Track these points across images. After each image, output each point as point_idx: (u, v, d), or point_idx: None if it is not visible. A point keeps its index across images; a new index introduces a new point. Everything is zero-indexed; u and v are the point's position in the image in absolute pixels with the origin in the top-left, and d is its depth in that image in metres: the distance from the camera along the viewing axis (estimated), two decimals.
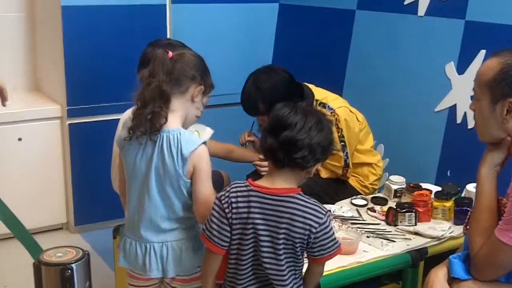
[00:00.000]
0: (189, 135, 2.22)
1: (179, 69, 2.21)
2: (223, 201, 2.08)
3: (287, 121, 2.04)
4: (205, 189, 2.21)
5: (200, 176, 2.19)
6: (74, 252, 2.22)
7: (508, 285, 2.07)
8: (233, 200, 2.07)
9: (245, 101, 3.21)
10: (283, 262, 2.05)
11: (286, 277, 2.07)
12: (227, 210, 2.06)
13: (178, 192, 2.21)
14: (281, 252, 2.05)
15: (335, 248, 2.09)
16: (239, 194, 2.07)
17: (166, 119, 2.17)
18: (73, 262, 2.16)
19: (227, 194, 2.08)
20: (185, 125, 2.29)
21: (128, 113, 2.86)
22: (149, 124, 2.15)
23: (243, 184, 2.10)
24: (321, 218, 2.03)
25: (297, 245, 2.04)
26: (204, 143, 2.21)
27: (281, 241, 2.04)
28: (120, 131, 2.31)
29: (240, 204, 2.06)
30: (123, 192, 2.40)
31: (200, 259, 2.24)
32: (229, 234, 2.08)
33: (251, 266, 2.10)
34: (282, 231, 2.03)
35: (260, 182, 2.10)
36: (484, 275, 2.06)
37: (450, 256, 2.20)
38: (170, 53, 2.23)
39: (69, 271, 2.14)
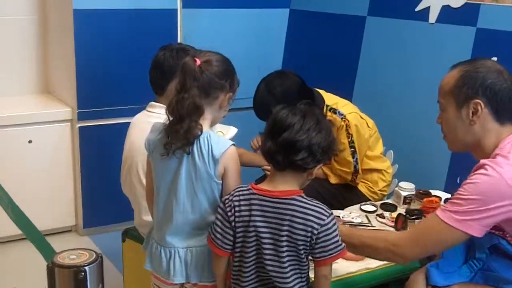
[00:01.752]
0: (218, 137, 2.22)
1: (207, 79, 2.18)
2: (226, 205, 2.10)
3: (285, 122, 2.05)
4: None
5: (232, 175, 2.20)
6: (88, 255, 2.22)
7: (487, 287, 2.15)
8: (235, 203, 2.08)
9: (258, 105, 3.22)
10: (286, 265, 2.05)
11: (289, 279, 2.06)
12: (229, 214, 2.09)
13: (209, 195, 2.20)
14: (284, 254, 2.04)
15: (338, 251, 2.06)
16: (241, 198, 2.09)
17: (201, 131, 2.15)
18: (86, 264, 2.16)
19: (230, 198, 2.10)
20: (210, 126, 2.29)
21: (139, 116, 2.88)
22: (185, 139, 2.14)
23: (245, 188, 2.11)
24: (323, 220, 2.03)
25: (300, 247, 2.04)
26: (234, 144, 2.20)
27: (284, 244, 2.04)
28: (149, 134, 2.29)
29: (243, 208, 2.08)
30: (150, 197, 2.39)
31: None
32: (232, 238, 2.10)
33: (254, 268, 2.11)
34: (284, 233, 2.03)
35: (262, 186, 2.11)
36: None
37: (428, 265, 2.26)
38: (198, 61, 2.18)
39: (83, 273, 2.14)
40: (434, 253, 2.28)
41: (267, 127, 2.12)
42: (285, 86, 3.18)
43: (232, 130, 3.11)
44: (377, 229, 2.76)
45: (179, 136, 2.13)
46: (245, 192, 2.10)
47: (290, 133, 2.03)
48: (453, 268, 2.21)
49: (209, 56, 2.24)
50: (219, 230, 2.11)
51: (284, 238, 2.04)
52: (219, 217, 2.12)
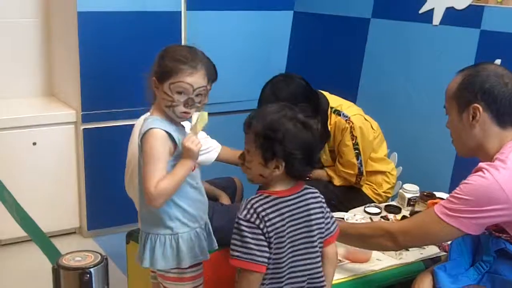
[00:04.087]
0: (151, 120, 2.23)
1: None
2: (251, 218, 2.00)
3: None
4: None
5: (144, 158, 2.20)
6: (93, 257, 2.23)
7: None
8: (262, 214, 2.01)
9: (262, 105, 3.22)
10: (317, 254, 2.11)
11: (321, 269, 2.12)
12: (261, 226, 2.00)
13: None
14: (315, 244, 2.09)
15: (336, 225, 2.19)
16: (265, 206, 2.03)
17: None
18: (91, 266, 2.16)
19: (252, 211, 2.01)
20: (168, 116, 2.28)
21: (143, 118, 2.88)
22: None
23: (262, 197, 2.05)
24: (321, 196, 2.16)
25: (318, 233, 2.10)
26: (159, 129, 2.20)
27: (315, 234, 2.08)
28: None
29: (271, 215, 2.02)
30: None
31: None
32: (268, 249, 2.02)
33: (288, 273, 2.08)
34: (314, 226, 2.08)
35: (274, 189, 2.08)
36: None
37: (435, 267, 2.27)
38: None
39: (88, 275, 2.15)
40: (426, 244, 2.46)
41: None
42: (290, 89, 3.18)
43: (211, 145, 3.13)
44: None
45: None
46: (267, 200, 2.04)
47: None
48: (460, 271, 2.22)
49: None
50: (253, 246, 2.00)
51: (315, 228, 2.08)
52: (247, 233, 2.00)
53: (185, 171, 2.18)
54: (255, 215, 2.00)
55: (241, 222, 2.01)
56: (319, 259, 2.10)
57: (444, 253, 2.63)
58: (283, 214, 2.04)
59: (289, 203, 2.06)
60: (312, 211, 2.09)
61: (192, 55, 2.26)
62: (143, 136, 2.19)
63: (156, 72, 2.25)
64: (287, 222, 2.05)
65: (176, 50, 2.28)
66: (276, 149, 2.00)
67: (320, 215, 2.11)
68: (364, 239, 2.35)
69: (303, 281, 2.09)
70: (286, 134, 2.00)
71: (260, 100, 3.24)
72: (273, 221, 2.02)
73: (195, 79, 2.22)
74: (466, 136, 2.20)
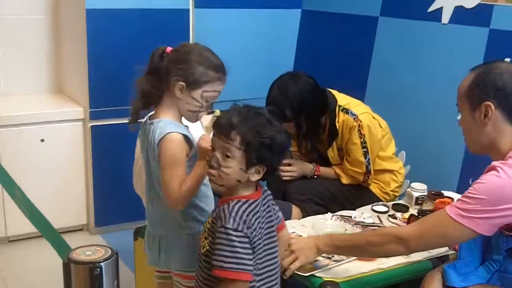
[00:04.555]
0: (164, 123, 2.21)
1: (164, 65, 2.24)
2: (239, 228, 1.95)
3: None
4: None
5: (163, 164, 2.19)
6: (103, 251, 2.24)
7: None
8: (247, 221, 1.97)
9: (270, 103, 3.22)
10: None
11: None
12: (248, 233, 1.96)
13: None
14: (276, 235, 2.14)
15: None
16: (247, 212, 1.99)
17: (138, 111, 2.27)
18: (102, 260, 2.17)
19: (238, 219, 1.96)
20: (185, 120, 2.30)
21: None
22: (131, 114, 2.29)
23: (241, 202, 2.00)
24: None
25: None
26: (177, 133, 2.19)
27: (275, 227, 2.13)
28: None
29: (253, 220, 1.99)
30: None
31: None
32: (252, 256, 1.99)
33: (265, 267, 2.08)
34: (274, 222, 2.12)
35: (245, 192, 2.04)
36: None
37: (445, 265, 2.27)
38: (169, 49, 2.26)
39: (98, 269, 2.16)
40: (439, 246, 2.37)
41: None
42: (298, 87, 3.19)
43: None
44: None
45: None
46: (246, 205, 2.00)
47: None
48: (470, 269, 2.21)
49: (181, 47, 2.29)
50: (244, 256, 1.95)
51: (274, 221, 2.12)
52: (237, 243, 1.93)
53: (204, 171, 2.14)
54: (241, 224, 1.95)
55: (230, 232, 1.94)
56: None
57: (453, 252, 2.62)
58: (260, 217, 2.03)
59: (261, 204, 2.05)
60: (271, 207, 2.12)
61: (222, 63, 2.29)
62: (161, 141, 2.17)
63: (187, 77, 2.21)
64: (263, 224, 2.05)
65: (208, 57, 2.28)
66: (264, 154, 1.96)
67: (274, 207, 2.14)
68: (373, 247, 2.29)
69: (277, 272, 2.12)
70: (274, 139, 1.97)
71: (268, 99, 3.24)
72: (255, 225, 1.99)
73: (223, 87, 2.26)
74: (478, 134, 2.18)
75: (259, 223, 2.01)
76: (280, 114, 3.21)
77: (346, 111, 3.27)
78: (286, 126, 3.28)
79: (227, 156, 1.97)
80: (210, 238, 2.02)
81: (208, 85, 2.23)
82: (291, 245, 2.35)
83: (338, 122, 3.28)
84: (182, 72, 2.21)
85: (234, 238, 1.93)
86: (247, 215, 1.97)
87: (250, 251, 1.97)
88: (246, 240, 1.95)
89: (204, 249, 2.04)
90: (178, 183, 2.15)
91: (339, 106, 3.30)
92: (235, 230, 1.94)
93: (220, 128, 1.99)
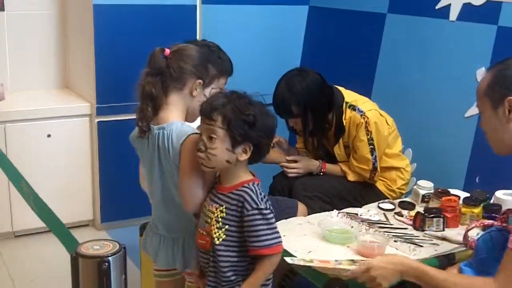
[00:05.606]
0: (181, 125, 2.23)
1: (174, 65, 2.24)
2: (267, 206, 2.10)
3: None
4: None
5: (183, 167, 2.20)
6: (111, 245, 2.25)
7: None
8: (267, 198, 2.13)
9: (278, 103, 3.22)
10: None
11: None
12: (271, 209, 2.11)
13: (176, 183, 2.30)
14: None
15: None
16: (263, 192, 2.14)
17: (151, 118, 2.23)
18: (110, 255, 2.18)
19: (261, 197, 2.10)
20: (189, 118, 2.33)
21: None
22: (139, 121, 2.26)
23: (254, 184, 2.13)
24: None
25: None
26: (196, 133, 2.21)
27: None
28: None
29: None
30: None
31: None
32: None
33: None
34: None
35: (251, 175, 2.17)
36: None
37: (461, 264, 2.23)
38: (167, 51, 2.26)
39: (106, 263, 2.16)
40: None
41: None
42: (305, 83, 3.19)
43: None
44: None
45: (137, 116, 2.26)
46: (259, 188, 2.14)
47: None
48: (488, 268, 2.16)
49: (183, 46, 2.32)
50: (277, 230, 2.12)
51: None
52: (272, 220, 2.10)
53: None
54: (266, 202, 2.10)
55: (264, 211, 2.06)
56: None
57: (463, 249, 2.61)
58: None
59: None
60: None
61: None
62: (183, 145, 2.18)
63: (203, 75, 2.29)
64: None
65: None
66: (247, 131, 2.05)
67: None
68: None
69: None
70: (256, 117, 2.05)
71: (275, 94, 3.24)
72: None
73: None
74: (503, 131, 2.11)
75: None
76: (286, 110, 3.21)
77: (353, 107, 3.26)
78: (293, 122, 3.27)
79: (212, 138, 2.06)
80: (227, 227, 2.09)
81: (215, 81, 2.26)
82: (370, 269, 2.16)
83: (345, 118, 3.28)
84: (199, 69, 2.26)
85: (269, 216, 2.08)
86: (263, 194, 2.11)
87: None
88: (273, 214, 2.10)
89: (220, 239, 2.10)
90: (201, 188, 2.18)
91: (346, 102, 3.29)
92: (266, 208, 2.08)
93: (203, 111, 2.09)
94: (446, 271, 2.19)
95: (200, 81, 2.27)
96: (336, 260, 2.27)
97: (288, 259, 2.23)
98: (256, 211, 2.06)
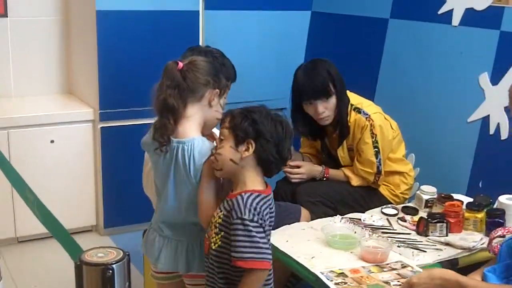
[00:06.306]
0: (203, 142, 2.25)
1: (191, 77, 2.26)
2: (254, 219, 2.05)
3: None
4: None
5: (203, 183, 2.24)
6: (115, 253, 2.25)
7: None
8: (262, 212, 2.08)
9: (313, 86, 3.22)
10: None
11: None
12: (263, 225, 2.07)
13: (192, 197, 2.30)
14: None
15: None
16: (260, 204, 2.09)
17: (173, 131, 2.23)
18: (114, 262, 2.18)
19: (252, 210, 2.05)
20: (206, 129, 2.36)
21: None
22: (160, 136, 2.24)
23: (254, 196, 2.09)
24: None
25: None
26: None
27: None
28: (146, 134, 2.39)
29: (265, 214, 2.10)
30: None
31: None
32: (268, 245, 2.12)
33: None
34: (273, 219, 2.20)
35: (257, 187, 2.13)
36: None
37: (485, 270, 2.19)
38: (181, 64, 2.28)
39: (110, 271, 2.16)
40: None
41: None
42: (328, 64, 3.30)
43: None
44: None
45: (156, 130, 2.25)
46: (259, 199, 2.10)
47: None
48: (510, 273, 2.14)
49: (194, 58, 2.35)
50: (262, 245, 2.04)
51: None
52: (255, 233, 2.03)
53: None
54: (256, 215, 2.05)
55: (247, 222, 2.03)
56: None
57: (465, 254, 2.61)
58: (271, 212, 2.13)
59: (271, 201, 2.15)
60: (273, 209, 2.17)
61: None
62: (207, 162, 2.20)
63: (219, 85, 2.34)
64: (273, 219, 2.15)
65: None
66: (249, 128, 2.08)
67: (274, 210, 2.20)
68: None
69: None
70: (260, 116, 2.09)
71: (301, 83, 3.26)
72: (268, 220, 2.11)
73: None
74: None
75: (270, 217, 2.12)
76: (323, 90, 3.21)
77: (358, 110, 3.26)
78: (324, 106, 3.24)
79: (221, 140, 2.13)
80: (222, 233, 2.09)
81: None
82: (413, 286, 2.10)
83: (350, 121, 3.28)
84: (214, 79, 2.30)
85: (252, 228, 2.03)
86: (260, 207, 2.07)
87: (266, 240, 2.07)
88: (261, 230, 2.06)
89: (216, 245, 2.11)
90: (218, 203, 2.20)
91: (351, 105, 3.29)
92: (251, 220, 2.03)
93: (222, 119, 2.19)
94: (485, 283, 2.14)
95: (217, 90, 2.32)
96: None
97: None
98: (238, 221, 2.03)
